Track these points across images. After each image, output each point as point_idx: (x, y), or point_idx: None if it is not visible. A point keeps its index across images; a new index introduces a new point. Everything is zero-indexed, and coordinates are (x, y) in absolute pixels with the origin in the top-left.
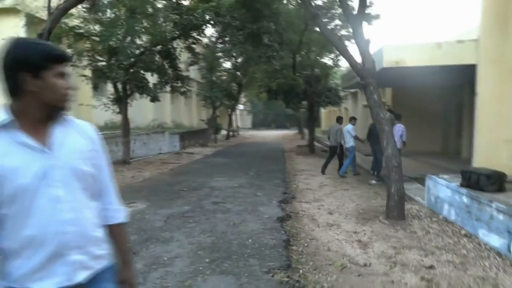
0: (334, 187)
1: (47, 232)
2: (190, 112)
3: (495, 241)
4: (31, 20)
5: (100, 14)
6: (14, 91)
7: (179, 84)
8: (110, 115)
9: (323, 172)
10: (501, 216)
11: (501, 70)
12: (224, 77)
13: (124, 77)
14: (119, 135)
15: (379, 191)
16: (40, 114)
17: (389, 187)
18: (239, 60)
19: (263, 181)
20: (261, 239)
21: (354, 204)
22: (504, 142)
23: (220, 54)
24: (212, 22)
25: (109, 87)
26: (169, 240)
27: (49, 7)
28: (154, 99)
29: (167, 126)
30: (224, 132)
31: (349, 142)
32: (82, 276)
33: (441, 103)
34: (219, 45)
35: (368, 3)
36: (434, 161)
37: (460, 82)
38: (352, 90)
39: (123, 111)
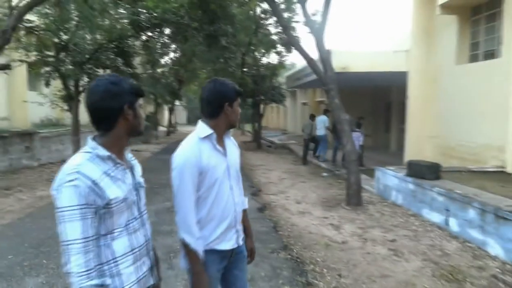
0: (292, 180)
1: (227, 210)
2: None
3: (436, 218)
4: None
5: (65, 11)
6: (215, 114)
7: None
8: (46, 111)
9: (304, 163)
10: (440, 198)
11: (426, 77)
12: (166, 73)
13: (78, 73)
14: (63, 133)
15: (332, 182)
16: (225, 129)
17: (349, 178)
18: (178, 55)
19: None
20: (253, 226)
21: (315, 194)
22: (429, 138)
23: (159, 50)
24: (171, 22)
25: (57, 83)
26: (172, 232)
27: (10, 4)
28: None
29: None
30: (162, 128)
31: (321, 131)
32: (240, 241)
33: (372, 103)
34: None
35: (314, 12)
36: (367, 154)
37: (389, 84)
38: (290, 89)
39: (74, 109)
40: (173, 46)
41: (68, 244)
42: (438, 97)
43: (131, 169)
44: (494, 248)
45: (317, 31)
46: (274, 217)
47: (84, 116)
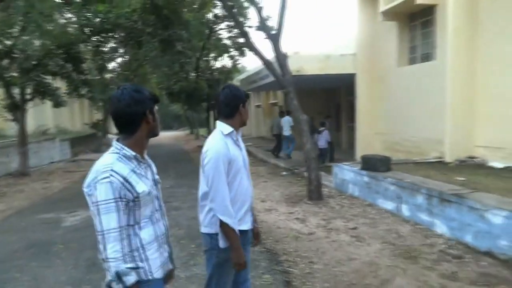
0: (254, 181)
1: (246, 196)
2: (72, 116)
3: (390, 205)
4: None
5: (12, 15)
6: (232, 114)
7: (87, 90)
8: None
9: (277, 156)
10: (392, 187)
11: (372, 78)
12: (115, 79)
13: (24, 81)
14: (8, 144)
15: (292, 180)
16: (238, 127)
17: (309, 175)
18: (127, 59)
19: (190, 180)
20: None
21: (278, 192)
22: (376, 134)
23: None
24: (124, 26)
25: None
26: None
27: None
28: (59, 104)
29: (51, 132)
30: (112, 136)
31: (287, 131)
32: (252, 224)
33: (324, 103)
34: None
35: (266, 17)
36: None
37: (339, 85)
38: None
39: (20, 118)
40: (122, 50)
41: (105, 234)
42: (384, 96)
43: (150, 167)
44: (441, 227)
45: (274, 37)
46: None
47: (30, 125)
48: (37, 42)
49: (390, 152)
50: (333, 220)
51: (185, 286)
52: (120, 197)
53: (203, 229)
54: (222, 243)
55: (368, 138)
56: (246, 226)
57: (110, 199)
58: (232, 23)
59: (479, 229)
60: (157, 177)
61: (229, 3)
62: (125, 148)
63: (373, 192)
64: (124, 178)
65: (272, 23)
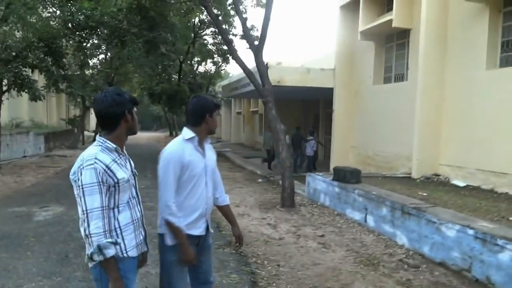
0: (230, 186)
1: (200, 202)
2: (50, 110)
3: (357, 216)
4: None
5: None
6: (198, 123)
7: (66, 85)
8: None
9: (269, 168)
10: (360, 199)
11: (349, 93)
12: (96, 75)
13: (2, 72)
14: None
15: (267, 187)
16: (205, 135)
17: (283, 182)
18: (109, 57)
19: None
20: None
21: (252, 198)
22: (351, 148)
23: (90, 51)
24: (109, 25)
25: None
26: None
27: None
28: (36, 98)
29: (25, 125)
30: (88, 133)
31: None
32: (207, 230)
33: (303, 114)
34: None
35: (250, 27)
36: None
37: (318, 97)
38: (225, 99)
39: None
40: (104, 48)
41: (89, 212)
42: (359, 111)
43: (129, 160)
44: (401, 238)
45: (256, 47)
46: (216, 219)
47: (4, 117)
48: (18, 34)
49: (362, 166)
50: (303, 227)
51: (155, 281)
52: (103, 182)
53: (158, 230)
54: (168, 241)
55: (343, 151)
56: (198, 231)
57: (94, 183)
58: (217, 30)
59: (435, 241)
60: (134, 170)
61: (215, 12)
62: (107, 141)
63: (343, 202)
64: (107, 166)
65: (256, 33)
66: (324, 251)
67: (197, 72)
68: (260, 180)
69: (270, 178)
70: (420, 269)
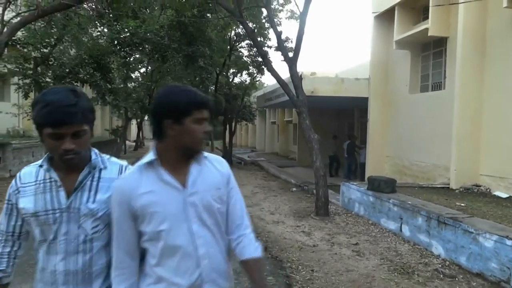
0: (265, 194)
1: (184, 266)
2: (95, 121)
3: (392, 225)
4: None
5: (51, 27)
6: (157, 135)
7: (112, 98)
8: (14, 121)
9: (331, 175)
10: (395, 208)
11: (384, 102)
12: (138, 88)
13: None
14: (34, 144)
15: (301, 196)
16: (177, 155)
17: (317, 191)
18: (150, 70)
19: None
20: None
21: (287, 206)
22: (386, 157)
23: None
24: (152, 41)
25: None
26: None
27: (2, 19)
28: None
29: None
30: (129, 143)
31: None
32: None
33: (337, 123)
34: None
35: (284, 39)
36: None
37: (351, 106)
38: (260, 109)
39: None
40: (145, 61)
41: None
42: (395, 121)
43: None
44: (437, 248)
45: (291, 59)
46: (252, 225)
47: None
48: (71, 52)
49: (398, 175)
50: (337, 235)
51: None
52: None
53: None
54: None
55: (378, 160)
56: None
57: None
58: (252, 43)
59: (472, 251)
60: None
61: (250, 26)
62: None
63: (377, 211)
64: None
65: (291, 44)
66: (358, 258)
67: (232, 83)
68: (294, 189)
69: (304, 187)
70: (457, 279)
